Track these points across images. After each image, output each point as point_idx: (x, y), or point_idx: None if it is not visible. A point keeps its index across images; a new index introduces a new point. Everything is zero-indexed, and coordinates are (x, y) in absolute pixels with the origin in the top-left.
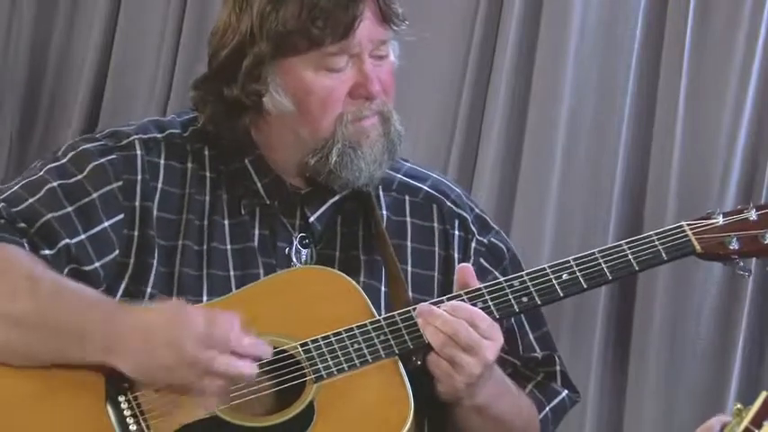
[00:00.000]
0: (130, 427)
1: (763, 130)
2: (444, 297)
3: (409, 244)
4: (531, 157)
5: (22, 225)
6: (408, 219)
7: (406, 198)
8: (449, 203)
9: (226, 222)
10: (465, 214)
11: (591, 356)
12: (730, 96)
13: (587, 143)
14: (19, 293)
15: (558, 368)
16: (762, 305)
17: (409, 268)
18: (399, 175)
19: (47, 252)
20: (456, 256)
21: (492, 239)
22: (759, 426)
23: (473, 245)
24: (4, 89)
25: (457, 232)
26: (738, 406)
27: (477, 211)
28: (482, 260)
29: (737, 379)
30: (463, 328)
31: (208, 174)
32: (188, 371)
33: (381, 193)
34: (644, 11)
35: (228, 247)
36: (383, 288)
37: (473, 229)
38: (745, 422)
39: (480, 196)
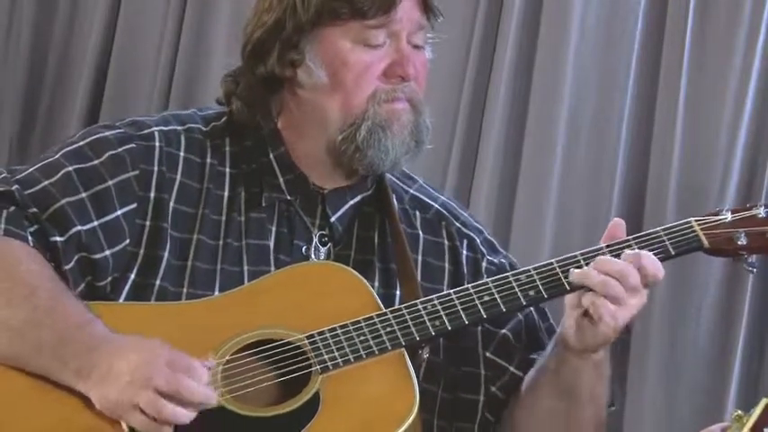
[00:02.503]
0: None
1: (763, 130)
2: (452, 291)
3: (420, 258)
4: (531, 157)
5: (34, 210)
6: (420, 233)
7: (417, 213)
8: (458, 224)
9: (242, 219)
10: (473, 235)
11: None
12: (730, 96)
13: (587, 143)
14: (14, 299)
15: None
16: (762, 305)
17: (419, 281)
18: (412, 191)
19: (58, 239)
20: (466, 274)
21: (502, 260)
22: None
23: (484, 264)
24: (4, 89)
25: (465, 251)
26: (738, 412)
27: (485, 234)
28: None
29: (737, 379)
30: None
31: (228, 170)
32: (132, 408)
33: (395, 203)
34: (644, 11)
35: (243, 243)
36: (398, 292)
37: (482, 249)
38: (746, 429)
39: (480, 196)
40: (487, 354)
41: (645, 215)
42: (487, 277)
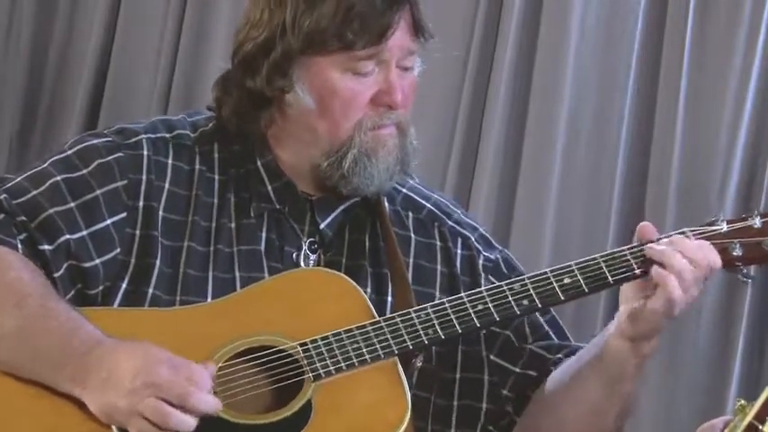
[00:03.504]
0: None
1: (763, 130)
2: (445, 300)
3: (411, 260)
4: (531, 158)
5: (23, 218)
6: (412, 234)
7: (409, 214)
8: (450, 223)
9: (233, 225)
10: (467, 233)
11: None
12: (730, 96)
13: (587, 143)
14: (5, 306)
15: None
16: (762, 305)
17: (411, 286)
18: (404, 190)
19: (46, 247)
20: (460, 275)
21: (498, 256)
22: (763, 421)
23: (480, 261)
24: (4, 89)
25: (459, 251)
26: (742, 402)
27: (480, 230)
28: (491, 277)
29: (737, 379)
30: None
31: (216, 176)
32: (134, 415)
33: (387, 204)
34: (644, 10)
35: (234, 249)
36: (389, 299)
37: (477, 246)
38: (749, 417)
39: (480, 196)
40: (492, 356)
41: (645, 215)
42: (485, 274)
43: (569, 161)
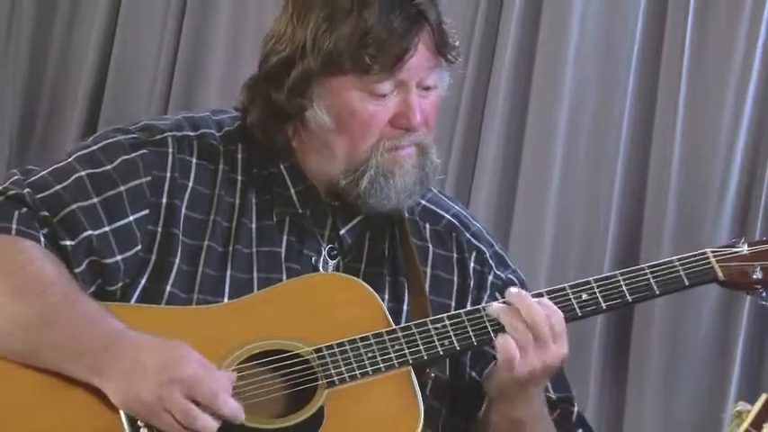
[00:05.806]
0: (141, 430)
1: (763, 130)
2: (461, 311)
3: (429, 270)
4: (531, 158)
5: (45, 213)
6: (430, 245)
7: (427, 225)
8: (468, 235)
9: (253, 226)
10: (483, 248)
11: (591, 356)
12: (730, 96)
13: (587, 143)
14: (28, 295)
15: (575, 409)
16: (761, 309)
17: (428, 296)
18: (423, 201)
19: (68, 242)
20: (471, 287)
21: (510, 276)
22: (759, 428)
23: (490, 278)
24: (4, 89)
25: (473, 264)
26: (738, 408)
27: (496, 247)
28: (498, 295)
29: (737, 379)
30: (542, 319)
31: (239, 177)
32: (160, 410)
33: (405, 215)
34: (643, 11)
35: (254, 250)
36: (406, 307)
37: (490, 263)
38: (746, 424)
39: (480, 197)
40: (473, 373)
41: (645, 215)
42: (491, 291)
43: (569, 161)
